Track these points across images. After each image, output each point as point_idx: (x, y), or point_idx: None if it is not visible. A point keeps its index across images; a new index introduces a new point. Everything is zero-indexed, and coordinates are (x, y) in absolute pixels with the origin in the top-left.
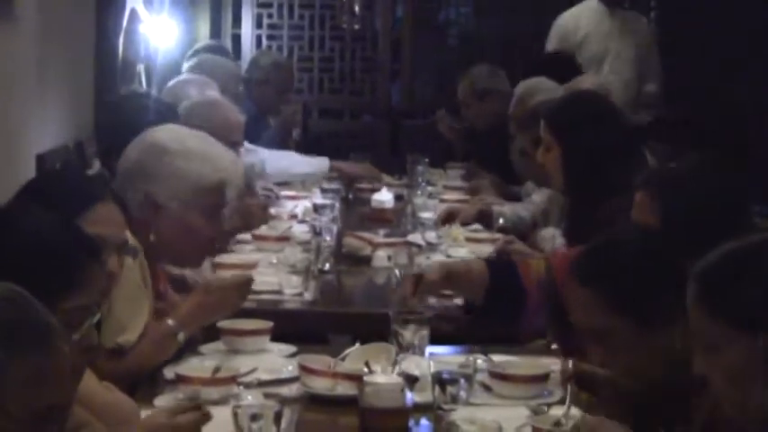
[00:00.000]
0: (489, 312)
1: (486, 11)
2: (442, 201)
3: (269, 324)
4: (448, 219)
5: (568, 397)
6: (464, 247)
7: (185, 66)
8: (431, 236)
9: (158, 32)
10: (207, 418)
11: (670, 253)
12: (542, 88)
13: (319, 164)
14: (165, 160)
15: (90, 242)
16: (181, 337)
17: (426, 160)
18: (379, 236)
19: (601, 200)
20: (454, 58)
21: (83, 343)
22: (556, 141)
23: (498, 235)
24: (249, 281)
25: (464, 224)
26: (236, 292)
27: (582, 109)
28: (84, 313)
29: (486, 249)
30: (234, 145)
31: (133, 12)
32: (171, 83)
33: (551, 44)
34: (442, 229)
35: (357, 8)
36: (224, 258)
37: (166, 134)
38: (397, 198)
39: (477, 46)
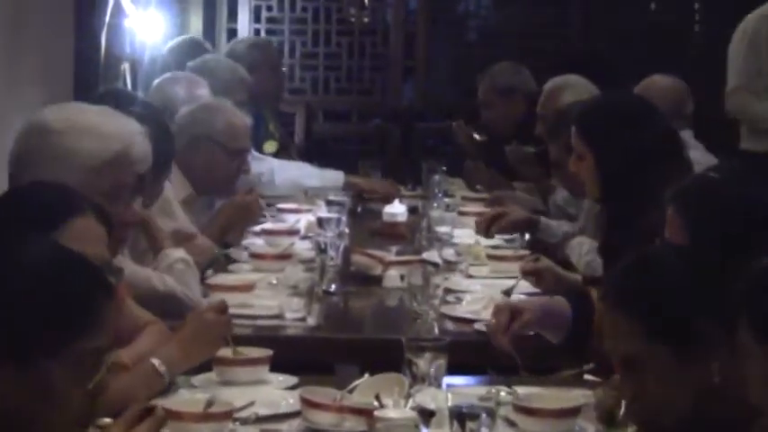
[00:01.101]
0: (567, 350)
1: (508, 2)
2: (461, 213)
3: (268, 352)
4: (491, 224)
5: None
6: (486, 266)
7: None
8: (449, 253)
9: (145, 27)
10: (163, 420)
11: (709, 275)
12: (572, 84)
13: (333, 178)
14: (52, 141)
15: (105, 281)
16: (167, 377)
17: (443, 168)
18: (391, 253)
19: (641, 212)
20: (472, 55)
21: (97, 390)
22: (588, 149)
23: (523, 252)
24: (223, 305)
25: (505, 231)
26: (214, 323)
27: (615, 112)
28: (98, 356)
29: (511, 268)
30: (240, 153)
31: (117, 4)
32: (156, 81)
33: (737, 50)
34: (461, 245)
35: None
36: (218, 279)
37: (52, 113)
38: (411, 211)
39: (497, 41)
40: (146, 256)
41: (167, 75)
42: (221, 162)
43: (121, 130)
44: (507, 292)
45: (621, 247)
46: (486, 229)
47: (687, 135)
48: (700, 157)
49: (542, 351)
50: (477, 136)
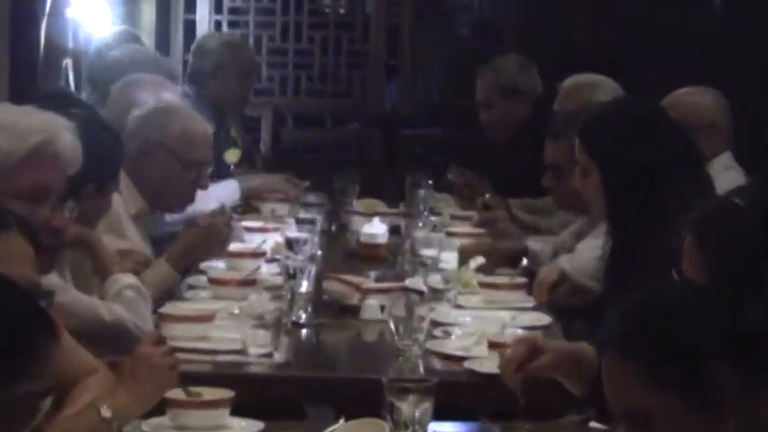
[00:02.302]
0: (588, 403)
1: None
2: (450, 234)
3: (228, 393)
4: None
5: None
6: (477, 295)
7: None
8: (435, 280)
9: (91, 18)
10: None
11: (728, 317)
12: (600, 83)
13: (229, 190)
14: None
15: (44, 315)
16: (114, 425)
17: (430, 182)
18: (370, 279)
19: (652, 238)
20: (464, 52)
21: None
22: (593, 163)
23: (520, 279)
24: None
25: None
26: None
27: (624, 122)
28: (34, 402)
29: (506, 298)
30: (198, 164)
31: None
32: (117, 86)
33: None
34: (449, 271)
35: None
36: (172, 308)
37: None
38: (393, 231)
39: (492, 36)
40: (90, 281)
41: (132, 76)
42: (176, 173)
43: (41, 124)
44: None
45: (631, 279)
46: (465, 260)
47: (726, 157)
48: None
49: (549, 395)
50: (472, 177)
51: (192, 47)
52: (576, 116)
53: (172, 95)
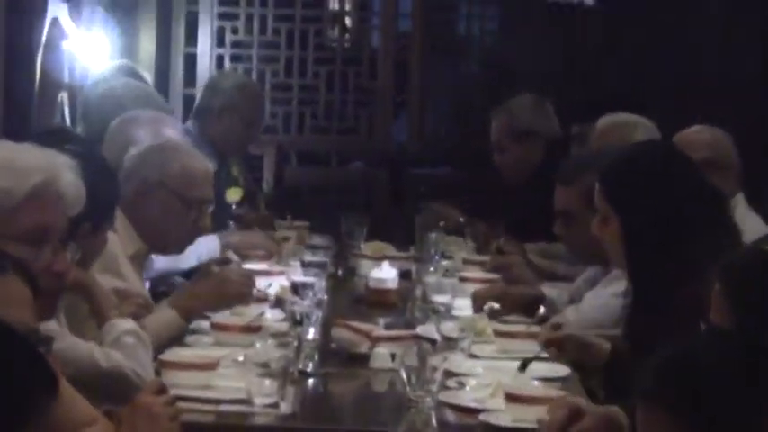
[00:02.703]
0: None
1: (517, 28)
2: (463, 280)
3: None
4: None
5: None
6: (492, 344)
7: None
8: (448, 328)
9: (88, 51)
10: None
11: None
12: (636, 124)
13: (208, 247)
14: None
15: (48, 372)
16: None
17: (441, 223)
18: (379, 326)
19: (676, 287)
20: (477, 87)
21: None
22: (613, 211)
23: (535, 328)
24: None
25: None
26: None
27: (647, 168)
28: None
29: (522, 347)
30: (198, 203)
31: (55, 22)
32: (114, 123)
33: None
34: (462, 318)
35: (349, 21)
36: (173, 355)
37: None
38: (403, 275)
39: (504, 73)
40: (85, 325)
41: (130, 113)
42: (176, 213)
43: (42, 163)
44: (523, 366)
45: (653, 329)
46: (479, 306)
47: (739, 199)
48: (754, 228)
49: None
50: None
51: (206, 82)
52: (589, 161)
53: (172, 132)
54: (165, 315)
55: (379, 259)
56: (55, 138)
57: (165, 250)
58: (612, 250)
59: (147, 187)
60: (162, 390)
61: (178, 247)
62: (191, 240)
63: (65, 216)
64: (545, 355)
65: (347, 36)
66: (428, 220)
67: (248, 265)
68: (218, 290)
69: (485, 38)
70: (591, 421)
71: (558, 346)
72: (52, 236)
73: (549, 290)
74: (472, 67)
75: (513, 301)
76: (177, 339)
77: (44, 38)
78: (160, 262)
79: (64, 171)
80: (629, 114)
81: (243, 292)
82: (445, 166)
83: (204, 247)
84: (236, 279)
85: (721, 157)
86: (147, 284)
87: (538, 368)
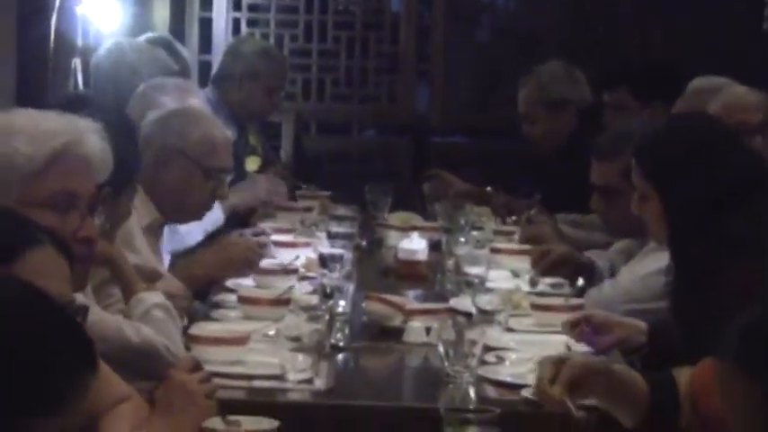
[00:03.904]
0: None
1: None
2: (494, 251)
3: (273, 424)
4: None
5: None
6: (529, 317)
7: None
8: (484, 300)
9: (101, 15)
10: None
11: None
12: (717, 89)
13: (212, 218)
14: None
15: (90, 350)
16: None
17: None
18: (412, 300)
19: (724, 265)
20: (497, 55)
21: None
22: (653, 188)
23: (576, 301)
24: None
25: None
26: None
27: (687, 142)
28: None
29: (560, 321)
30: (218, 172)
31: None
32: (139, 90)
33: None
34: (498, 291)
35: None
36: (201, 330)
37: None
38: (433, 247)
39: (529, 39)
40: (103, 292)
41: (156, 80)
42: (195, 182)
43: (65, 126)
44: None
45: (701, 308)
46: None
47: None
48: None
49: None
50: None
51: (226, 48)
52: (629, 134)
53: (196, 101)
54: (171, 285)
55: (406, 230)
56: (76, 104)
57: (182, 219)
58: (654, 228)
59: (167, 154)
60: (197, 366)
61: (196, 217)
62: (208, 209)
63: (91, 181)
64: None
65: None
66: (435, 188)
67: (274, 237)
68: (223, 255)
69: (507, 2)
70: (571, 370)
71: (579, 330)
72: (79, 201)
73: (594, 257)
74: (494, 34)
75: (550, 261)
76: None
77: (57, 2)
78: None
79: (88, 134)
80: (718, 78)
81: (249, 258)
82: (468, 136)
83: (209, 220)
84: (243, 244)
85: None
86: (167, 258)
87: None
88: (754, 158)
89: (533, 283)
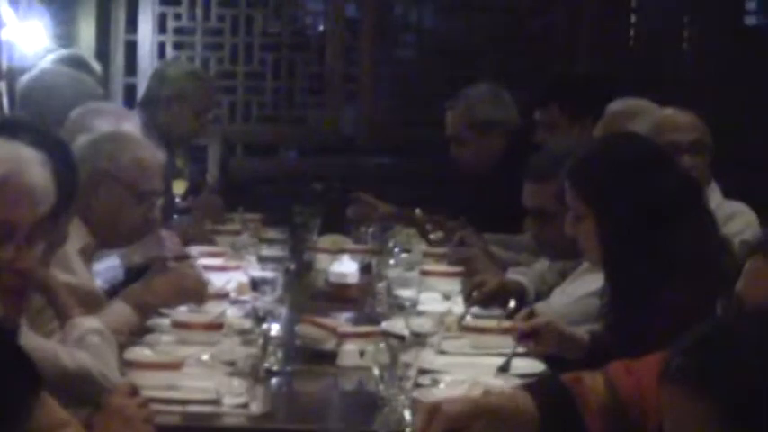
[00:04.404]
0: None
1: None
2: (425, 273)
3: None
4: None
5: None
6: (461, 339)
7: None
8: (416, 323)
9: (26, 38)
10: None
11: None
12: (643, 110)
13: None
14: None
15: (35, 375)
16: None
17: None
18: (344, 323)
19: (660, 284)
20: (431, 72)
21: None
22: (587, 208)
23: (507, 323)
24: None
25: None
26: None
27: (619, 161)
28: None
29: (494, 343)
30: (149, 195)
31: None
32: (74, 113)
33: None
34: (430, 313)
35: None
36: (135, 355)
37: None
38: (363, 269)
39: (462, 56)
40: (43, 318)
41: (92, 104)
42: (126, 205)
43: (6, 155)
44: (504, 368)
45: (638, 328)
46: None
47: (714, 187)
48: (720, 206)
49: None
50: (432, 236)
51: (153, 71)
52: (561, 156)
53: (131, 126)
54: (119, 311)
55: (336, 253)
56: (10, 129)
57: (114, 243)
58: (588, 249)
59: (97, 177)
60: (134, 392)
61: (128, 241)
62: (140, 234)
63: (31, 212)
64: (521, 350)
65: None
66: (359, 211)
67: (204, 261)
68: (176, 285)
69: (439, 24)
70: (451, 411)
71: (535, 336)
72: (17, 232)
73: (522, 277)
74: (422, 53)
75: (488, 291)
76: (134, 336)
77: None
78: None
79: (30, 164)
80: (637, 101)
81: (200, 290)
82: (396, 156)
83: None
84: (194, 275)
85: (706, 139)
86: (98, 281)
87: (515, 365)
88: (685, 177)
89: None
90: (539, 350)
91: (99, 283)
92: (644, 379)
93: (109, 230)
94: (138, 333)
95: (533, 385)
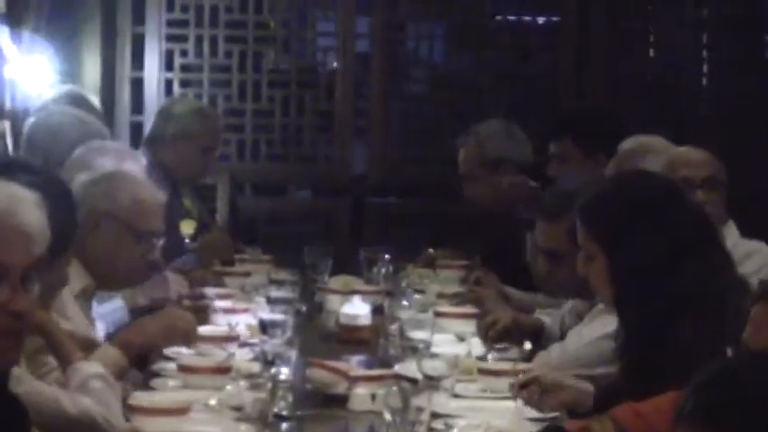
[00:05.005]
0: None
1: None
2: (439, 315)
3: None
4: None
5: None
6: (476, 383)
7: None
8: (429, 366)
9: (29, 76)
10: None
11: None
12: (654, 149)
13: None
14: None
15: (22, 412)
16: None
17: (387, 257)
18: (356, 366)
19: (673, 323)
20: (441, 109)
21: None
22: (599, 248)
23: (524, 365)
24: None
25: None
26: None
27: (629, 202)
28: None
29: (508, 386)
30: (149, 236)
31: None
32: (77, 152)
33: None
34: (444, 356)
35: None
36: (140, 400)
37: None
38: (375, 311)
39: (474, 93)
40: (37, 361)
41: (96, 143)
42: (125, 245)
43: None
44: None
45: (650, 371)
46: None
47: (730, 225)
48: (736, 244)
49: None
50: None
51: (159, 108)
52: (573, 193)
53: (134, 165)
54: (106, 353)
55: (348, 294)
56: (8, 169)
57: (113, 286)
58: (599, 289)
59: (96, 217)
60: None
61: (128, 283)
62: (140, 276)
63: (25, 252)
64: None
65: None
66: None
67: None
68: (165, 326)
69: (442, 58)
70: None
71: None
72: (10, 273)
73: (545, 317)
74: (433, 89)
75: (501, 329)
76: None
77: None
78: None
79: (24, 204)
80: (649, 138)
81: (189, 332)
82: (407, 195)
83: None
84: (183, 316)
85: (720, 176)
86: (102, 323)
87: (527, 408)
88: (699, 213)
89: (484, 356)
90: (543, 406)
91: (103, 326)
92: (653, 421)
93: (107, 271)
94: (129, 378)
95: None
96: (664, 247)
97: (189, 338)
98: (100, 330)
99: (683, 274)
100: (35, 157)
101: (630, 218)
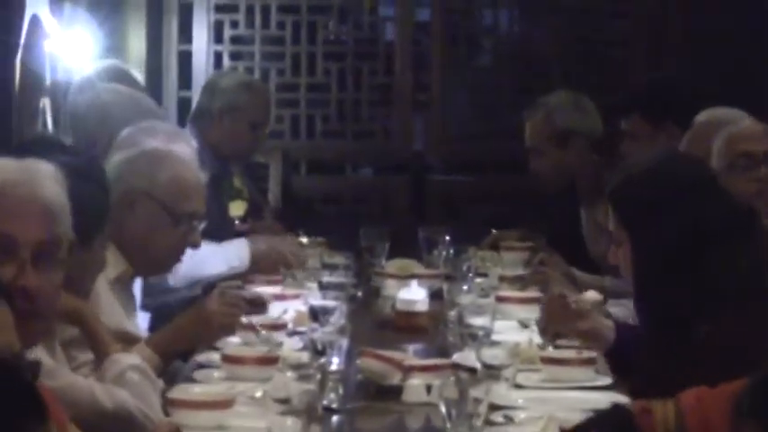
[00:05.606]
0: None
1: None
2: (501, 300)
3: None
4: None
5: None
6: (539, 373)
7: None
8: (489, 355)
9: (71, 51)
10: None
11: None
12: (718, 123)
13: (238, 253)
14: None
15: (36, 398)
16: None
17: (447, 238)
18: (411, 355)
19: (694, 313)
20: (504, 83)
21: None
22: (625, 234)
23: (588, 354)
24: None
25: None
26: None
27: (656, 188)
28: None
29: (575, 376)
30: (188, 217)
31: (35, 20)
32: (124, 132)
33: None
34: (505, 344)
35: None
36: (182, 393)
37: None
38: (434, 296)
39: (536, 64)
40: (69, 351)
41: (145, 123)
42: (162, 227)
43: (11, 165)
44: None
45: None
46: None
47: None
48: None
49: None
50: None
51: (205, 83)
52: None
53: (184, 148)
54: (138, 351)
55: (405, 278)
56: (39, 147)
57: (149, 270)
58: (627, 276)
59: (132, 197)
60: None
61: (165, 268)
62: (179, 259)
63: (38, 228)
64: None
65: (361, 28)
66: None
67: (261, 289)
68: (200, 324)
69: (507, 26)
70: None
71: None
72: (18, 248)
73: (613, 308)
74: (496, 60)
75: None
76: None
77: (23, 37)
78: (184, 266)
79: (40, 178)
80: (724, 110)
81: (226, 323)
82: (470, 173)
83: (234, 254)
84: (219, 309)
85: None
86: (142, 315)
87: (592, 398)
88: (729, 203)
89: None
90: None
91: (224, 263)
92: (710, 407)
93: (142, 255)
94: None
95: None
96: (690, 235)
97: (228, 329)
98: (142, 321)
99: (710, 264)
100: (82, 139)
101: (655, 204)
